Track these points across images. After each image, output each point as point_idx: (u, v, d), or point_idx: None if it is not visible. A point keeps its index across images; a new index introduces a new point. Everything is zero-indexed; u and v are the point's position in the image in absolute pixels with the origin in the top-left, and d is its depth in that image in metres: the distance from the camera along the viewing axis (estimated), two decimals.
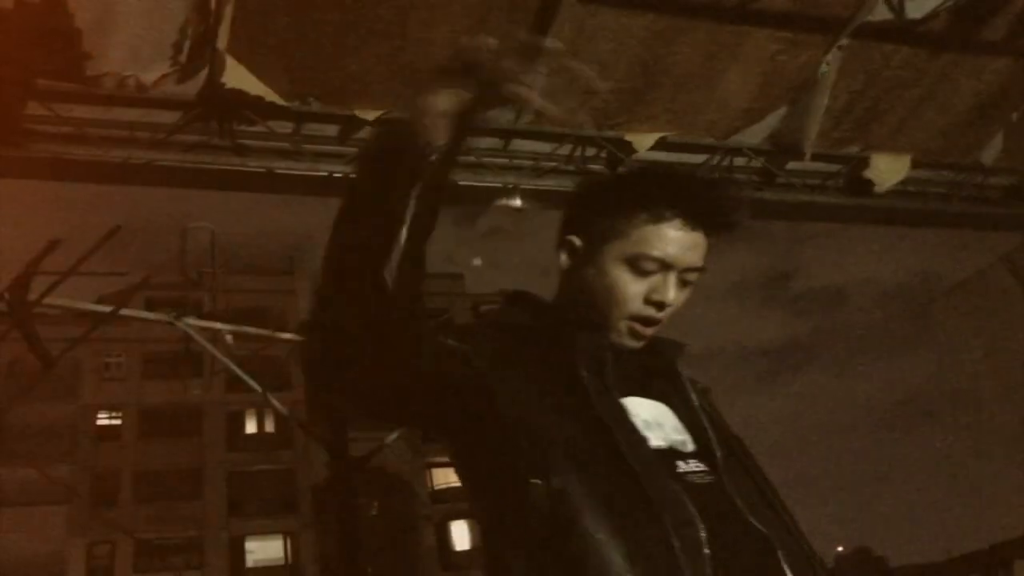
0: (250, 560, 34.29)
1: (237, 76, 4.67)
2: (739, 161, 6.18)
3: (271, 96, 4.89)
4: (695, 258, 1.57)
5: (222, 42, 4.54)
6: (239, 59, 4.74)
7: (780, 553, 1.40)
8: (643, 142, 5.74)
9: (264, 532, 34.71)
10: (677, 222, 1.54)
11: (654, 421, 1.51)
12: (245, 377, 6.33)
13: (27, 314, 4.59)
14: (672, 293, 1.55)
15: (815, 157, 6.18)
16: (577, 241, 1.61)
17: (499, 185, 5.87)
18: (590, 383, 1.48)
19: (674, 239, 1.54)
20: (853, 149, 6.38)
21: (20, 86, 4.62)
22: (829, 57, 5.67)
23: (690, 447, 1.50)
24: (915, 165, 6.52)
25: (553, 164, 5.90)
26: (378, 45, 5.04)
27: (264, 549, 34.73)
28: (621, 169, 1.48)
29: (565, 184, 5.93)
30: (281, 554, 34.92)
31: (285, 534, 34.96)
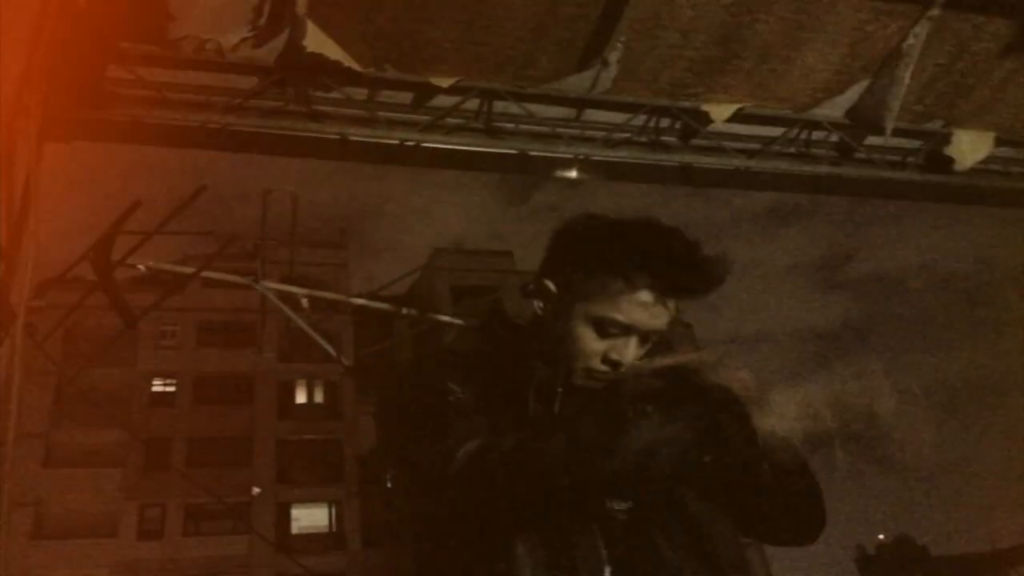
0: (295, 527, 34.80)
1: (316, 41, 4.65)
2: (817, 135, 6.03)
3: (348, 62, 4.86)
4: (660, 323, 1.61)
5: (302, 7, 4.51)
6: (318, 24, 4.70)
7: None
8: (720, 113, 5.62)
9: (310, 500, 35.19)
10: (648, 293, 1.57)
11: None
12: (321, 341, 6.36)
13: (111, 274, 4.64)
14: (631, 354, 1.60)
15: (896, 133, 6.01)
16: (552, 288, 1.66)
17: (570, 156, 5.80)
18: (536, 414, 1.58)
19: (642, 307, 1.58)
20: (935, 125, 6.19)
21: (103, 48, 4.64)
22: (918, 28, 5.48)
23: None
24: (999, 143, 6.31)
25: (626, 135, 5.81)
26: (455, 13, 4.98)
27: (309, 516, 35.22)
28: (600, 219, 1.44)
29: (638, 156, 5.85)
30: (326, 522, 35.38)
31: (330, 502, 35.41)
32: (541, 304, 1.68)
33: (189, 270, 5.98)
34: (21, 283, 3.64)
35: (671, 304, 1.61)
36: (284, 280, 6.15)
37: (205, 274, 5.90)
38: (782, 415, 1.47)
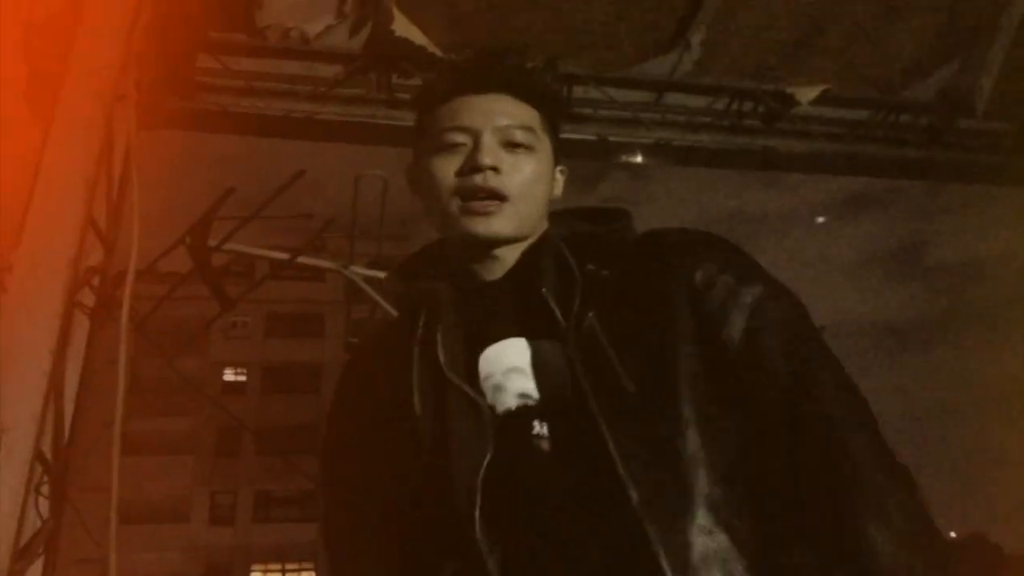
0: None
1: (402, 26, 4.68)
2: (905, 118, 5.88)
3: (431, 47, 4.88)
4: (509, 116, 1.37)
5: None
6: (402, 10, 4.74)
7: (650, 533, 1.13)
8: (805, 95, 5.51)
9: None
10: (461, 96, 1.38)
11: (523, 366, 1.28)
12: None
13: (208, 259, 4.76)
14: (489, 155, 1.33)
15: (986, 115, 5.83)
16: (414, 168, 1.45)
17: (650, 141, 5.74)
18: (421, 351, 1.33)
19: (465, 106, 1.37)
20: None
21: (193, 38, 4.73)
22: (1013, 6, 5.32)
23: (535, 395, 1.26)
24: None
25: (708, 119, 5.73)
26: (542, 1, 4.97)
27: None
28: None
29: (720, 140, 5.77)
30: None
31: None
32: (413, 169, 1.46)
33: (284, 255, 6.07)
34: (123, 269, 3.73)
35: (503, 100, 1.38)
36: (371, 265, 6.21)
37: (300, 260, 5.99)
38: None
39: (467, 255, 1.40)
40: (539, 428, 1.23)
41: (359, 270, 6.05)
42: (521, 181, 1.36)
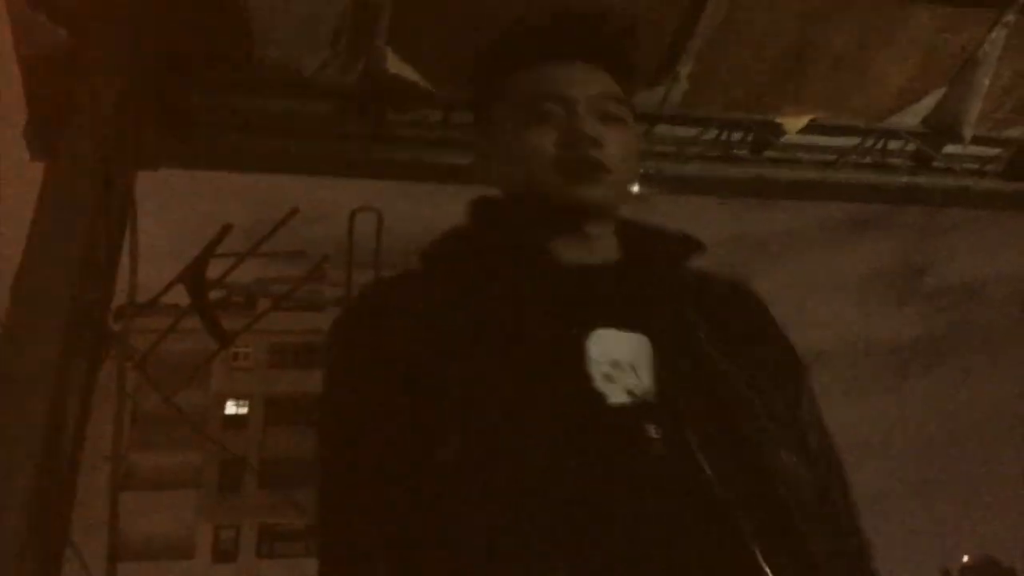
0: None
1: (395, 63, 4.77)
2: (893, 144, 5.96)
3: (424, 84, 4.97)
4: (601, 86, 1.38)
5: (383, 31, 4.63)
6: (395, 48, 4.83)
7: (755, 544, 1.10)
8: (793, 124, 5.60)
9: None
10: (546, 63, 1.39)
11: (628, 362, 1.21)
12: None
13: (205, 296, 4.83)
14: (589, 125, 1.33)
15: (974, 140, 5.91)
16: (483, 141, 1.44)
17: (642, 171, 5.82)
18: (532, 321, 1.22)
19: (554, 75, 1.37)
20: (1015, 132, 6.07)
21: (189, 78, 4.81)
22: (993, 34, 5.41)
23: (652, 394, 1.21)
24: None
25: (698, 149, 5.81)
26: None
27: None
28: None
29: (711, 169, 5.85)
30: None
31: None
32: (478, 163, 1.46)
33: (282, 290, 6.16)
34: (121, 306, 3.79)
35: (594, 70, 1.38)
36: None
37: (297, 295, 6.08)
38: None
39: (552, 232, 1.34)
40: (652, 431, 1.16)
41: None
42: (619, 153, 1.37)
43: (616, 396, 1.17)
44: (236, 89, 5.03)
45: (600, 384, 1.18)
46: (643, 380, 1.19)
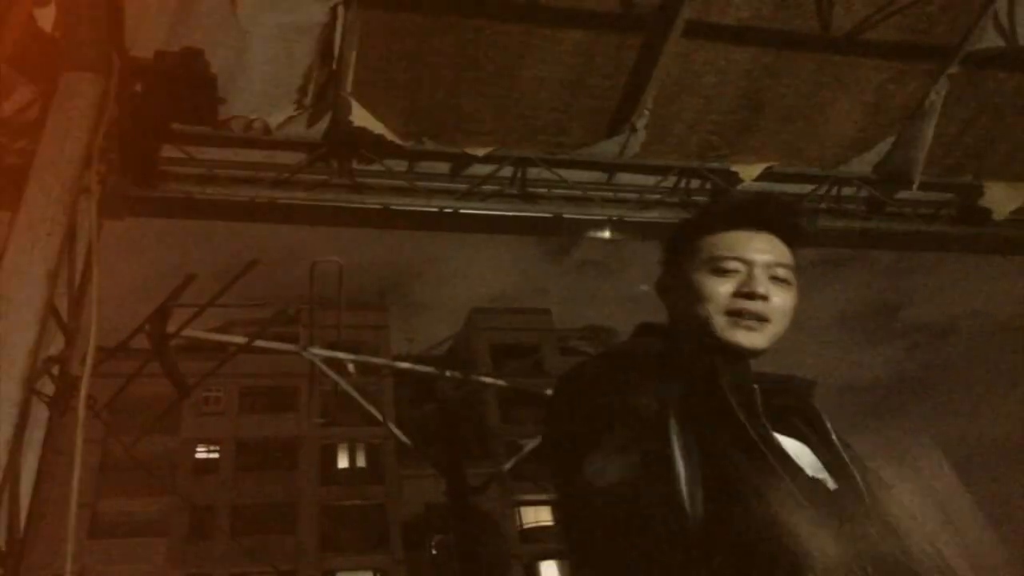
0: None
1: (360, 116, 4.89)
2: (847, 191, 6.14)
3: (390, 135, 5.09)
4: (776, 255, 1.64)
5: (348, 86, 4.76)
6: (360, 102, 4.95)
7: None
8: (749, 172, 5.76)
9: (355, 567, 34.99)
10: (743, 228, 1.65)
11: (795, 456, 1.48)
12: (369, 407, 6.50)
13: (166, 346, 4.86)
14: (762, 286, 1.61)
15: (926, 186, 6.10)
16: (668, 278, 1.73)
17: (603, 218, 5.95)
18: (744, 413, 1.46)
19: (744, 239, 1.64)
20: (966, 177, 6.27)
21: (156, 130, 4.90)
22: (938, 86, 5.62)
23: (831, 485, 1.49)
24: None
25: (658, 196, 5.95)
26: (490, 86, 5.21)
27: None
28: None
29: (670, 216, 5.98)
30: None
31: (375, 570, 35.16)
32: (665, 296, 1.73)
33: (242, 340, 6.21)
34: (82, 356, 3.82)
35: (775, 240, 1.66)
36: (330, 346, 6.35)
37: (257, 343, 6.12)
38: None
39: (714, 348, 1.61)
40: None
41: (318, 351, 6.19)
42: (781, 309, 1.64)
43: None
44: (204, 141, 5.12)
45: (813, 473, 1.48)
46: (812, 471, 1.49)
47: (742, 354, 1.61)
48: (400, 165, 5.50)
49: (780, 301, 1.63)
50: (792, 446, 1.51)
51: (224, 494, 35.26)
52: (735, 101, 5.39)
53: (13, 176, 4.31)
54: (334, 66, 4.74)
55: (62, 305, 4.03)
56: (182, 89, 4.56)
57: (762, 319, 1.61)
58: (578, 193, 5.80)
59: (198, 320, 5.59)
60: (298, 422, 34.83)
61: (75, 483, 3.54)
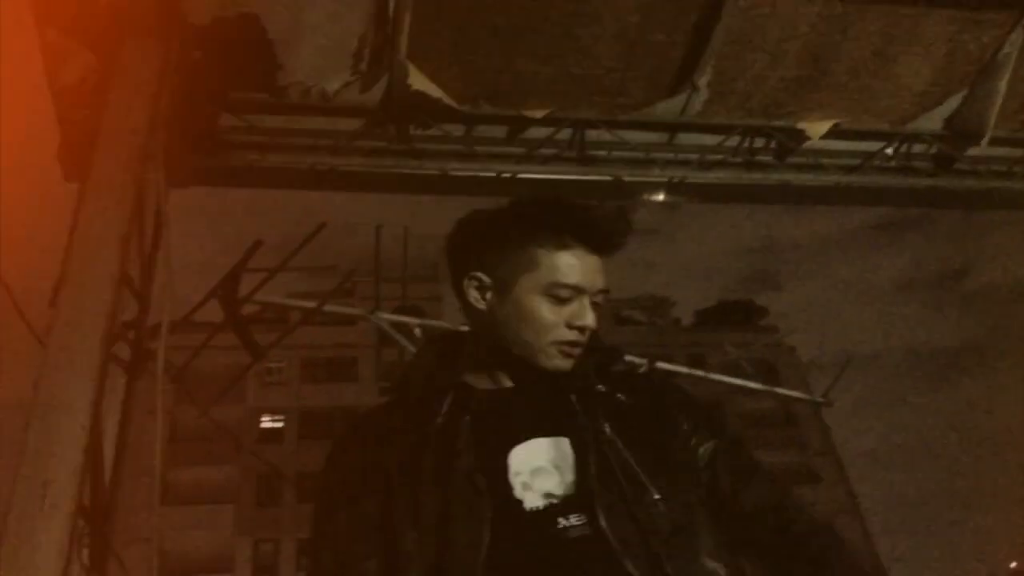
0: None
1: (417, 80, 4.87)
2: (917, 147, 5.96)
3: (447, 99, 5.06)
4: (601, 281, 1.66)
5: (403, 50, 4.73)
6: (416, 65, 4.92)
7: None
8: (816, 130, 5.62)
9: None
10: (579, 249, 1.63)
11: (549, 466, 1.53)
12: None
13: (238, 311, 4.94)
14: (590, 316, 1.63)
15: (999, 142, 5.89)
16: (485, 278, 1.67)
17: (664, 180, 5.86)
18: (468, 439, 1.55)
19: (581, 263, 1.63)
20: None
21: (217, 99, 4.94)
22: (1013, 36, 5.40)
23: (572, 490, 1.51)
24: None
25: (720, 157, 5.85)
26: (546, 46, 5.14)
27: None
28: (488, 210, 1.57)
29: (733, 176, 5.88)
30: None
31: None
32: (478, 295, 1.68)
33: (310, 304, 6.28)
34: (157, 322, 3.89)
35: (600, 263, 1.66)
36: (396, 312, 6.40)
37: (326, 308, 6.19)
38: None
39: (517, 370, 1.66)
40: (564, 522, 1.47)
41: (385, 316, 6.24)
42: (592, 334, 1.66)
43: (533, 502, 1.50)
44: (263, 109, 5.15)
45: (519, 493, 1.51)
46: (554, 480, 1.52)
47: (551, 379, 1.63)
48: (457, 130, 5.48)
49: (594, 325, 1.65)
50: (549, 452, 1.54)
51: (289, 462, 36.02)
52: (801, 56, 5.24)
53: (76, 148, 4.39)
54: (389, 30, 4.71)
55: (135, 272, 4.10)
56: (240, 56, 4.59)
57: (582, 347, 1.64)
58: (639, 155, 5.72)
59: (266, 289, 5.66)
60: (358, 392, 35.28)
61: (158, 447, 3.63)
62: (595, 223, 1.66)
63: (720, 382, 9.91)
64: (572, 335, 1.62)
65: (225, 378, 7.55)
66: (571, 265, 1.62)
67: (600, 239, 1.65)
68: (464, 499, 1.48)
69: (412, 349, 6.00)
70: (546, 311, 1.62)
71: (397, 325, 6.22)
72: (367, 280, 7.05)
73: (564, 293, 1.62)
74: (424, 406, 1.63)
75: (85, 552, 3.56)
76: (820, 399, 9.71)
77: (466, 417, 1.58)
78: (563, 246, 1.63)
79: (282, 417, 38.05)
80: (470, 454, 1.53)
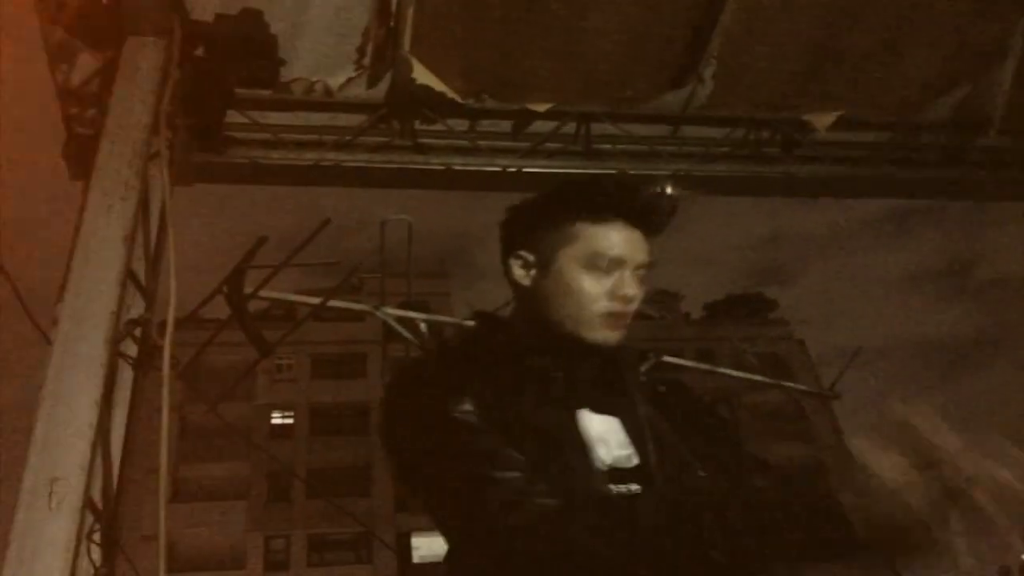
0: (416, 556, 35.24)
1: (421, 74, 4.86)
2: (924, 138, 5.92)
3: (450, 94, 5.05)
4: (644, 255, 1.67)
5: (406, 45, 4.73)
6: (420, 60, 4.92)
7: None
8: (822, 122, 5.58)
9: (429, 528, 35.42)
10: (619, 223, 1.65)
11: (600, 437, 1.58)
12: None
13: (244, 306, 4.96)
14: (632, 288, 1.64)
15: (1006, 132, 5.85)
16: (528, 256, 1.70)
17: (669, 172, 5.84)
18: (539, 397, 1.58)
19: (621, 236, 1.65)
20: None
21: (220, 95, 4.94)
22: (1020, 26, 5.37)
23: (634, 461, 1.57)
24: None
25: (725, 149, 5.82)
26: (550, 39, 5.12)
27: (429, 545, 35.57)
28: (536, 195, 1.65)
29: (739, 169, 5.86)
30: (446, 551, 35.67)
31: None
32: (523, 272, 1.70)
33: (316, 300, 6.29)
34: (163, 319, 3.90)
35: (643, 238, 1.68)
36: (402, 307, 6.41)
37: (331, 303, 6.20)
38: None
39: (566, 344, 1.67)
40: (623, 489, 1.54)
41: (391, 311, 6.24)
42: (637, 306, 1.69)
43: (607, 461, 1.57)
44: (267, 105, 5.16)
45: (597, 454, 1.57)
46: (613, 450, 1.59)
47: (597, 354, 1.67)
48: (461, 125, 5.47)
49: (639, 300, 1.67)
50: (600, 425, 1.60)
51: (300, 458, 36.11)
52: (807, 47, 5.21)
53: (81, 146, 4.40)
54: (392, 24, 4.71)
55: (140, 270, 4.12)
56: (243, 52, 4.59)
57: (626, 318, 1.66)
58: (644, 148, 5.70)
59: (274, 287, 5.66)
60: (368, 388, 35.35)
61: (164, 444, 3.63)
62: (634, 198, 1.69)
63: (729, 376, 9.89)
64: (615, 306, 1.63)
65: (234, 375, 7.57)
66: (610, 237, 1.64)
67: (639, 213, 1.67)
68: (558, 447, 1.53)
69: (418, 344, 6.01)
70: (587, 283, 1.64)
71: (403, 320, 6.22)
72: (376, 276, 7.05)
73: (604, 263, 1.63)
74: (508, 360, 1.65)
75: (95, 548, 3.58)
76: (827, 392, 9.68)
77: (558, 373, 1.63)
78: (602, 220, 1.65)
79: (292, 413, 38.14)
80: (558, 406, 1.59)
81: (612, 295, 1.63)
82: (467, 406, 1.53)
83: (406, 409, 1.65)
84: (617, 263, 1.64)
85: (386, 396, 1.69)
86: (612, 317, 1.64)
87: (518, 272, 1.71)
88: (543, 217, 1.71)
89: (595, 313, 1.63)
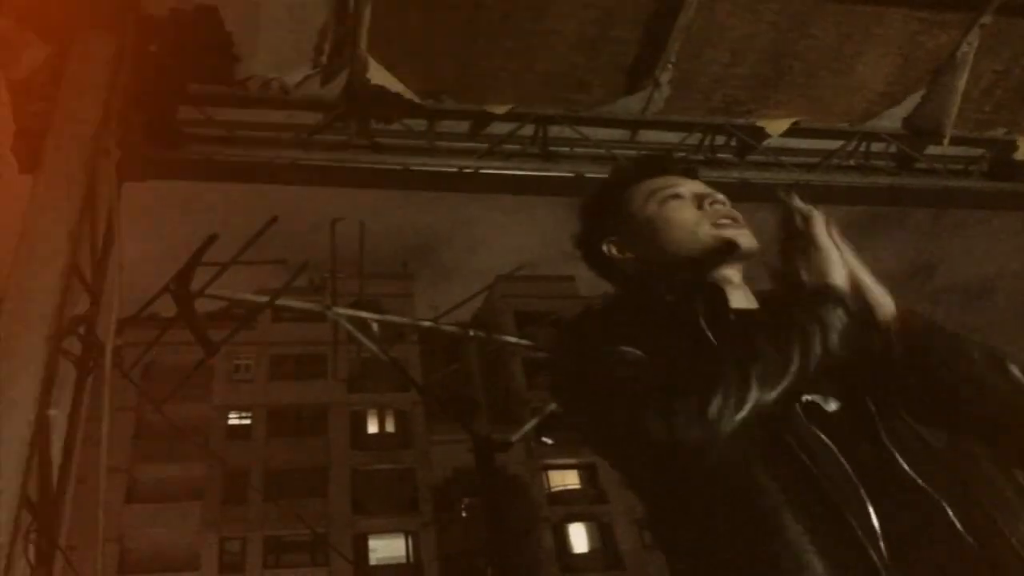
0: (373, 558, 35.06)
1: (377, 74, 4.83)
2: (876, 146, 6.01)
3: (408, 94, 5.03)
4: (706, 189, 1.71)
5: (363, 44, 4.69)
6: (378, 59, 4.89)
7: (948, 510, 1.33)
8: (775, 128, 5.65)
9: (386, 531, 35.41)
10: (669, 176, 1.73)
11: None
12: (391, 358, 6.46)
13: (191, 305, 4.89)
14: (719, 195, 1.66)
15: (957, 141, 5.96)
16: (616, 237, 1.74)
17: None
18: (690, 332, 1.49)
19: (679, 179, 1.72)
20: (998, 132, 6.12)
21: (174, 91, 4.88)
22: (970, 37, 5.46)
23: (833, 405, 1.47)
24: None
25: (682, 154, 5.85)
26: (508, 42, 5.12)
27: (386, 547, 35.44)
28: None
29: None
30: (403, 552, 35.55)
31: (406, 532, 35.58)
32: (621, 251, 1.73)
33: (264, 299, 6.22)
34: (107, 317, 3.84)
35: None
36: (354, 307, 6.35)
37: (280, 302, 6.12)
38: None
39: (715, 256, 1.63)
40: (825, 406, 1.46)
41: (341, 311, 6.19)
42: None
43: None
44: (222, 102, 5.09)
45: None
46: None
47: (734, 253, 1.62)
48: (420, 125, 5.45)
49: (729, 203, 1.67)
50: None
51: (257, 459, 35.74)
52: (761, 54, 5.27)
53: (31, 139, 4.32)
54: (349, 23, 4.68)
55: (86, 266, 4.04)
56: (197, 47, 4.53)
57: (737, 219, 1.64)
58: (601, 152, 5.71)
59: (228, 286, 5.60)
60: (327, 389, 35.07)
61: (104, 444, 3.58)
62: (676, 160, 1.83)
63: None
64: (717, 210, 1.63)
65: (185, 374, 7.44)
66: (671, 180, 1.71)
67: (685, 168, 1.76)
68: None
69: (369, 345, 5.97)
70: (680, 210, 1.66)
71: (355, 320, 6.18)
72: (340, 276, 6.99)
73: (679, 191, 1.68)
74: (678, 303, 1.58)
75: (31, 548, 3.51)
76: None
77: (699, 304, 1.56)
78: (663, 174, 1.73)
79: (250, 414, 37.72)
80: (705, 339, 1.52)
81: (704, 210, 1.64)
82: (635, 350, 1.48)
83: (580, 362, 1.60)
84: (680, 192, 1.67)
85: (555, 359, 1.68)
86: (722, 217, 1.62)
87: (616, 254, 1.74)
88: (611, 200, 1.77)
89: (706, 226, 1.62)
